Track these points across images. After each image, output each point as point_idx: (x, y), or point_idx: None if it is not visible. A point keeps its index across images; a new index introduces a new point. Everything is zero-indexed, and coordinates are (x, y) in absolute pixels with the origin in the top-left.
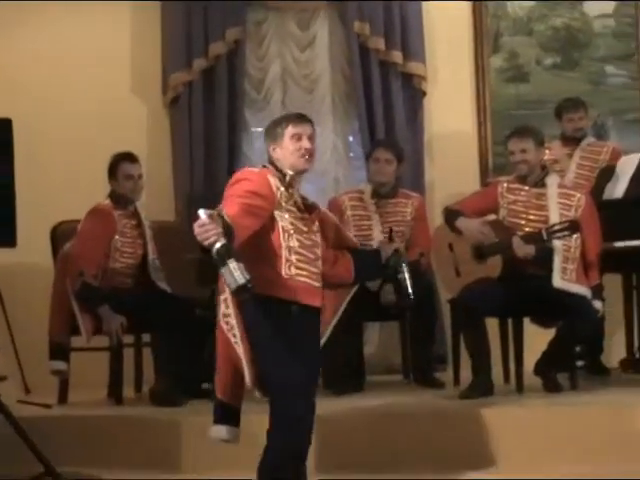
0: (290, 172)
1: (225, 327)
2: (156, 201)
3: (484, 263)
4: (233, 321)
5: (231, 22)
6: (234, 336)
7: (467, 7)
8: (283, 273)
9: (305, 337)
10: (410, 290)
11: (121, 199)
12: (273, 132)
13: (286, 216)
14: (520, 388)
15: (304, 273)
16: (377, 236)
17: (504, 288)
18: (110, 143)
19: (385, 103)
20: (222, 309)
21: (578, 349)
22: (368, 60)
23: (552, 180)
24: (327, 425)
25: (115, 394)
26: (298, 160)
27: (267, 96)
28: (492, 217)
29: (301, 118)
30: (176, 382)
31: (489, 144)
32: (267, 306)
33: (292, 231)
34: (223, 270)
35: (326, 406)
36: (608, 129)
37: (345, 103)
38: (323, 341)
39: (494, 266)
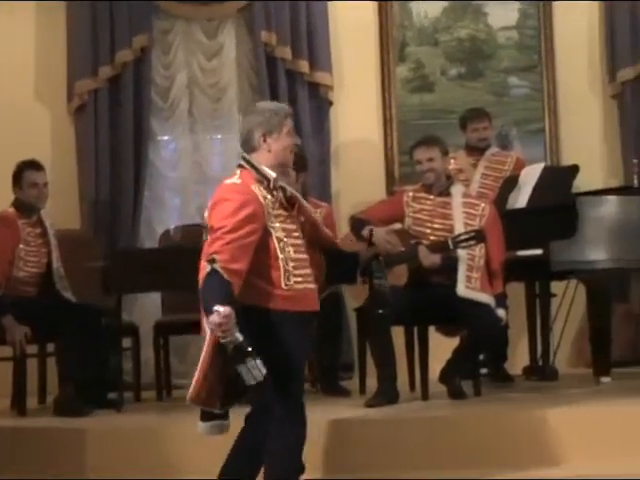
0: (273, 174)
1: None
2: (61, 209)
3: (390, 272)
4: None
5: (138, 29)
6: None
7: (373, 17)
8: (283, 285)
9: (303, 342)
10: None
11: (26, 207)
12: (269, 122)
13: (277, 224)
14: (425, 396)
15: (301, 279)
16: None
17: (410, 296)
18: (14, 150)
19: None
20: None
21: (482, 357)
22: (275, 69)
23: (457, 190)
24: None
25: (18, 405)
26: (290, 155)
27: (174, 105)
28: (398, 226)
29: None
30: (81, 391)
31: (395, 153)
32: (268, 318)
33: (285, 238)
34: (240, 367)
35: None
36: (512, 139)
37: None
38: None
39: (400, 275)
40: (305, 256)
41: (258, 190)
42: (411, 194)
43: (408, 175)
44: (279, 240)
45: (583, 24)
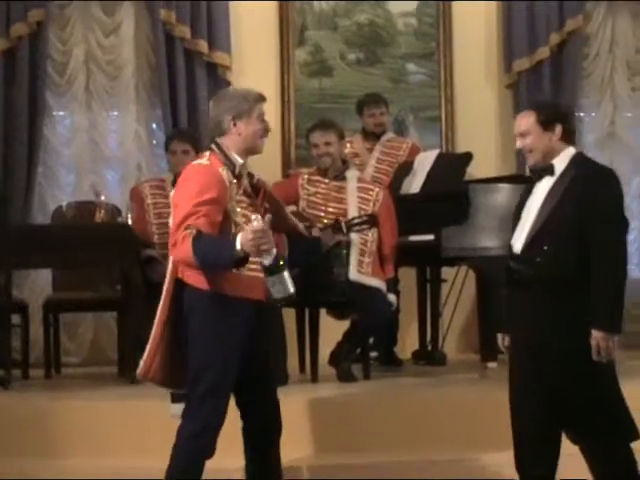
0: (240, 160)
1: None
2: None
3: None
4: (157, 318)
5: (33, 3)
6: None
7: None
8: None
9: (247, 333)
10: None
11: None
12: (238, 106)
13: (238, 209)
14: (315, 378)
15: (252, 267)
16: None
17: (301, 279)
18: None
19: (189, 92)
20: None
21: (372, 340)
22: (173, 48)
23: (352, 174)
24: None
25: None
26: (260, 140)
27: (70, 80)
28: (292, 208)
29: (264, 98)
30: None
31: (292, 136)
32: (215, 303)
33: (243, 223)
34: (275, 277)
35: None
36: (408, 126)
37: (149, 90)
38: None
39: None
40: None
41: (225, 173)
42: (306, 177)
43: (304, 158)
44: (236, 225)
45: (481, 14)
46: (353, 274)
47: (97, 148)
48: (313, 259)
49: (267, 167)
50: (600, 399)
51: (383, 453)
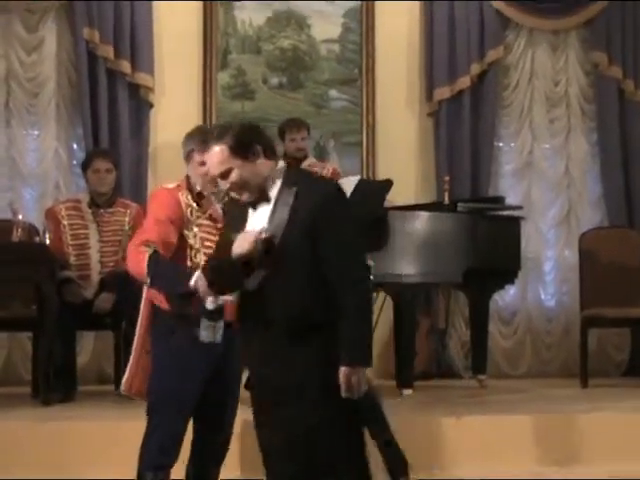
0: (198, 188)
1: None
2: None
3: None
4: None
5: None
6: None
7: (197, 22)
8: None
9: (209, 352)
10: None
11: None
12: (184, 147)
13: (193, 231)
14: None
15: None
16: (94, 245)
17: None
18: None
19: (111, 112)
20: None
21: None
22: (96, 67)
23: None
24: None
25: None
26: (205, 185)
27: None
28: None
29: (208, 142)
30: None
31: None
32: (175, 323)
33: (199, 246)
34: (211, 323)
35: None
36: (329, 151)
37: (70, 109)
38: None
39: None
40: None
41: (184, 198)
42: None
43: None
44: (191, 247)
45: (403, 43)
46: None
47: (15, 166)
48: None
49: None
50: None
51: None
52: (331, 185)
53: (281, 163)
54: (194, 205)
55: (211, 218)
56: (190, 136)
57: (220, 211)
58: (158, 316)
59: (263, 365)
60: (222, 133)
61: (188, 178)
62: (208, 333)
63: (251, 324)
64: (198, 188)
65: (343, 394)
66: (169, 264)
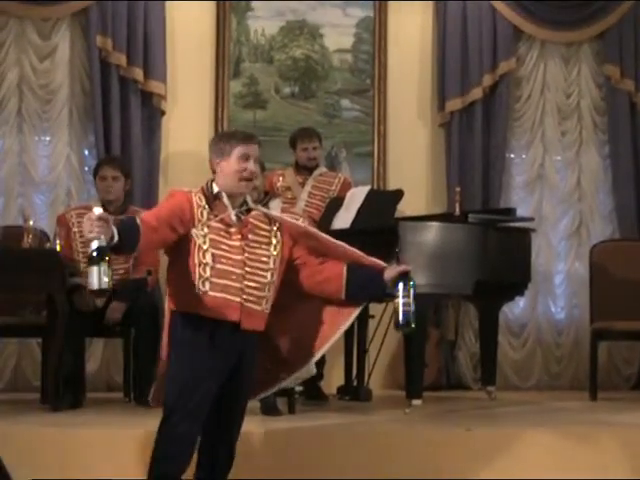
0: (216, 188)
1: None
2: None
3: None
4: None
5: None
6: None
7: (210, 31)
8: (197, 289)
9: (216, 352)
10: (411, 317)
11: None
12: (220, 148)
13: (203, 232)
14: None
15: (219, 288)
16: None
17: None
18: None
19: (123, 119)
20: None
21: None
22: (108, 75)
23: (275, 204)
24: None
25: None
26: (239, 183)
27: (3, 104)
28: None
29: (250, 138)
30: None
31: None
32: (185, 322)
33: (207, 247)
34: (93, 268)
35: None
36: (341, 161)
37: (82, 116)
38: (319, 355)
39: None
40: (235, 270)
41: (197, 199)
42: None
43: None
44: (199, 247)
45: (416, 53)
46: None
47: (27, 172)
48: (377, 289)
49: None
50: None
51: None
52: None
53: None
54: (206, 207)
55: (222, 221)
56: (232, 135)
57: (234, 217)
58: (173, 320)
59: None
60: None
61: (208, 183)
62: (91, 280)
63: None
64: (216, 189)
65: None
66: (129, 231)
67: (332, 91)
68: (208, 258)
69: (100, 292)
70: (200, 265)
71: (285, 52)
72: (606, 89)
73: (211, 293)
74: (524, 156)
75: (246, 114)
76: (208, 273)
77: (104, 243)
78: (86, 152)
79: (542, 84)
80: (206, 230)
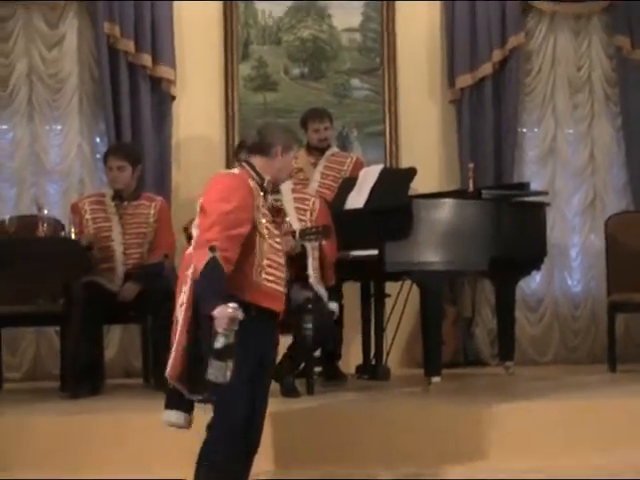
0: (268, 176)
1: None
2: None
3: None
4: (180, 315)
5: None
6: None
7: (218, 13)
8: (253, 277)
9: (260, 340)
10: None
11: None
12: (290, 140)
13: (263, 221)
14: None
15: (271, 278)
16: (117, 238)
17: None
18: None
19: (133, 105)
20: (179, 301)
21: (317, 355)
22: (117, 62)
23: (286, 186)
24: None
25: None
26: (286, 178)
27: (13, 93)
28: None
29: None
30: None
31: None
32: (248, 313)
33: (267, 235)
34: (219, 363)
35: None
36: (352, 140)
37: (92, 104)
38: None
39: None
40: (281, 260)
41: (253, 185)
42: None
43: None
44: (261, 236)
45: (424, 31)
46: (313, 280)
47: (39, 161)
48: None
49: None
50: None
51: (327, 468)
52: None
53: None
54: (261, 194)
55: (269, 210)
56: (294, 135)
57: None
58: None
59: None
60: None
61: (253, 168)
62: (217, 374)
63: None
64: (268, 178)
65: None
66: (216, 279)
67: (342, 71)
68: (266, 248)
69: (218, 385)
70: (260, 253)
71: (293, 33)
72: (617, 60)
73: (267, 284)
74: (536, 130)
75: (256, 96)
76: (265, 262)
77: (232, 340)
78: (97, 139)
79: (552, 57)
80: (263, 220)
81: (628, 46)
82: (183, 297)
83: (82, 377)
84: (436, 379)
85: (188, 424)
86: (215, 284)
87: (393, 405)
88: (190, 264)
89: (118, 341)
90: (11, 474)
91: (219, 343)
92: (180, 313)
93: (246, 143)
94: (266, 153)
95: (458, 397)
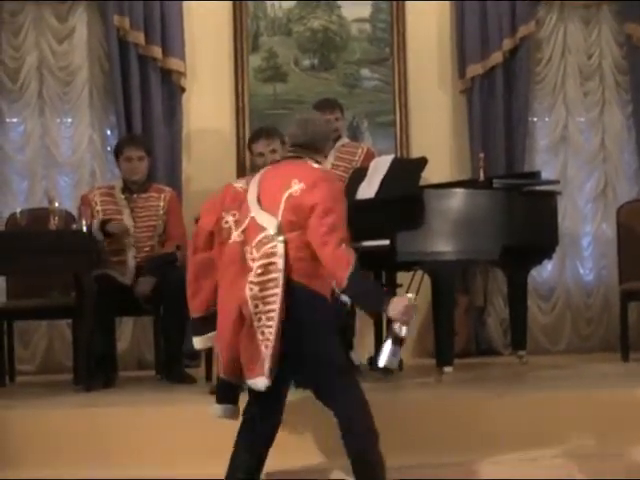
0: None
1: (257, 323)
2: None
3: None
4: (272, 321)
5: None
6: (265, 332)
7: (228, 5)
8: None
9: None
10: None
11: None
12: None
13: None
14: None
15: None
16: None
17: None
18: None
19: (143, 98)
20: (260, 306)
21: None
22: (127, 54)
23: None
24: None
25: None
26: None
27: (23, 87)
28: None
29: None
30: None
31: (246, 142)
32: (330, 306)
33: None
34: (393, 347)
35: None
36: (363, 131)
37: (103, 97)
38: None
39: None
40: None
41: None
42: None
43: (258, 164)
44: None
45: (434, 20)
46: None
47: (50, 154)
48: None
49: (222, 171)
50: None
51: (339, 457)
52: None
53: None
54: None
55: None
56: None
57: None
58: (319, 303)
59: None
60: None
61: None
62: (392, 359)
63: None
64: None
65: None
66: (369, 283)
67: (352, 61)
68: None
69: (388, 369)
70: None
71: (303, 24)
72: (627, 48)
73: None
74: (547, 119)
75: (266, 88)
76: None
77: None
78: (108, 132)
79: (562, 46)
80: None
81: (638, 34)
82: (275, 298)
83: (95, 370)
84: (448, 369)
85: (237, 415)
86: (369, 283)
87: (406, 395)
88: (239, 256)
89: (130, 333)
90: (25, 467)
91: (404, 332)
92: (272, 314)
93: (297, 140)
94: (316, 149)
95: (471, 387)
